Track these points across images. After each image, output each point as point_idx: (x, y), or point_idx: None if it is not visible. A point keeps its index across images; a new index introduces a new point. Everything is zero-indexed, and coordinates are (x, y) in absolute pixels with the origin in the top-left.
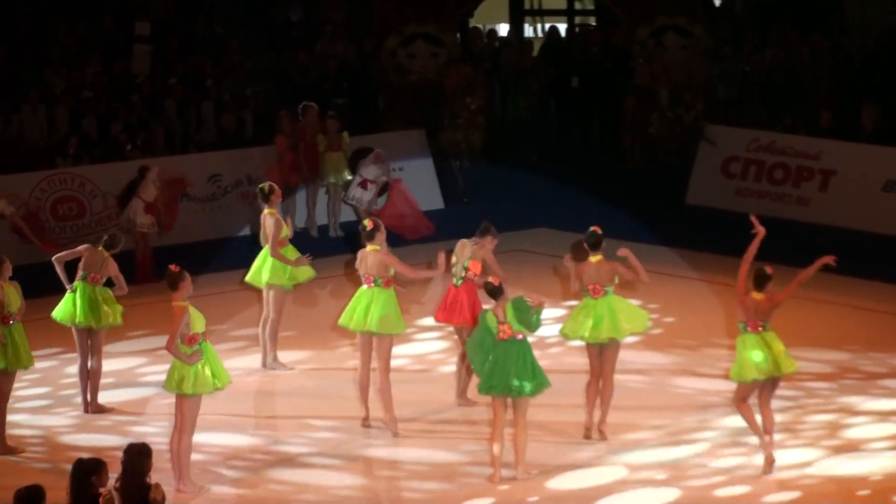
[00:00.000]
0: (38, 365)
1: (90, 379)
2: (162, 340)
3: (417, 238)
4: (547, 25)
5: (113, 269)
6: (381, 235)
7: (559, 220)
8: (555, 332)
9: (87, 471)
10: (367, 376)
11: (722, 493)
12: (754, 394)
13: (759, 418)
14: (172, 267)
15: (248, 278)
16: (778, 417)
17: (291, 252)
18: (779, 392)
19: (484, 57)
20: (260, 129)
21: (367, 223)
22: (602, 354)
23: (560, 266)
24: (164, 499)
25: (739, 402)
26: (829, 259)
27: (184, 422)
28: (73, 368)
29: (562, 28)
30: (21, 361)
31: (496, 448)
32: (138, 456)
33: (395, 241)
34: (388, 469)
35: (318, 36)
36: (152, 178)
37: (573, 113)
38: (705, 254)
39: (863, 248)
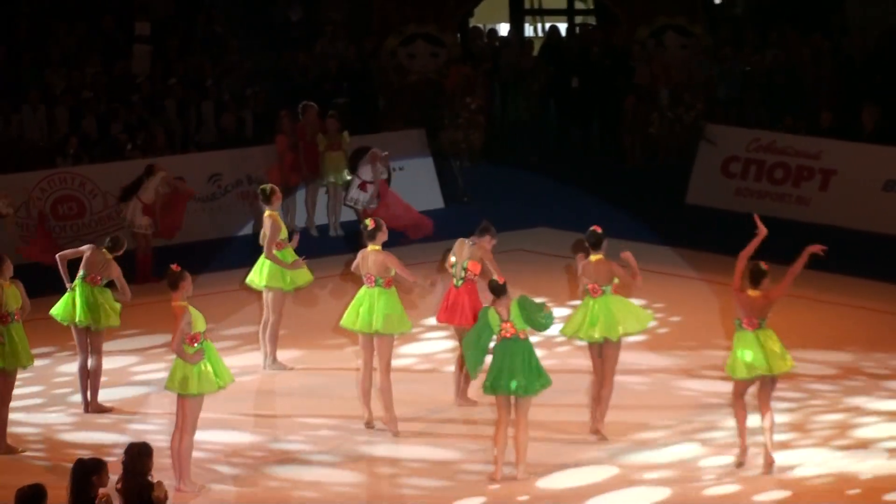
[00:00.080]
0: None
1: (90, 378)
2: (155, 340)
3: (420, 237)
4: (547, 25)
5: (116, 272)
6: (383, 235)
7: (559, 220)
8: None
9: (88, 471)
10: (370, 379)
11: (719, 491)
12: (754, 395)
13: (758, 419)
14: (174, 266)
15: (247, 280)
16: (779, 418)
17: (290, 255)
18: (779, 393)
19: (484, 57)
20: (260, 129)
21: (369, 223)
22: (601, 354)
23: (572, 263)
24: (166, 496)
25: (736, 398)
26: (816, 248)
27: (185, 422)
28: (67, 367)
29: (562, 28)
30: (20, 361)
31: (498, 447)
32: (139, 456)
33: (396, 241)
34: (388, 467)
35: (318, 36)
36: (156, 181)
37: (573, 113)
38: (705, 254)
39: (863, 248)
